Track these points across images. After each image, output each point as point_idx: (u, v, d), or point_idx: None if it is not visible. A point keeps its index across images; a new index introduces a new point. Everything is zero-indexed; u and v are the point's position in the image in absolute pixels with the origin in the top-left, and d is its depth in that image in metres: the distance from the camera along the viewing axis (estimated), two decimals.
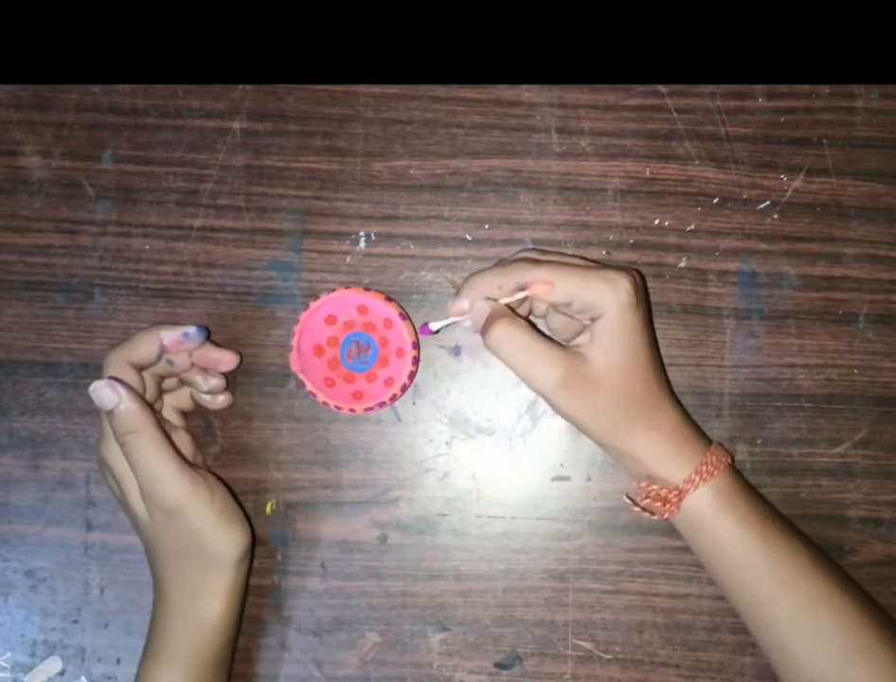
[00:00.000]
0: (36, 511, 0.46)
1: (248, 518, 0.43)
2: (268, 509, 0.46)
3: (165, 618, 0.41)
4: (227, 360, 0.43)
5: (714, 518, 0.39)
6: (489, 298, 0.39)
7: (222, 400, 0.44)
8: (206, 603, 0.41)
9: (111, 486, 0.41)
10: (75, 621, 0.46)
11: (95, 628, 0.46)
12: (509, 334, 0.37)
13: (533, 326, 0.39)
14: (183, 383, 0.44)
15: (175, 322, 0.46)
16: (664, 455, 0.39)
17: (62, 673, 0.46)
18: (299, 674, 0.46)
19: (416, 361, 0.44)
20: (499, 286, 0.39)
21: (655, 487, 0.39)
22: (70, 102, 0.46)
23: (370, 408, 0.43)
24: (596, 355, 0.38)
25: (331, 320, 0.44)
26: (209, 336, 0.43)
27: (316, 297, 0.43)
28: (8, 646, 0.46)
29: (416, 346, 0.44)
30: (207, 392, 0.44)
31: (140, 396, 0.39)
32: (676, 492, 0.38)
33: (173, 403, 0.44)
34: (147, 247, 0.46)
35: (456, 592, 0.46)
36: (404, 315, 0.44)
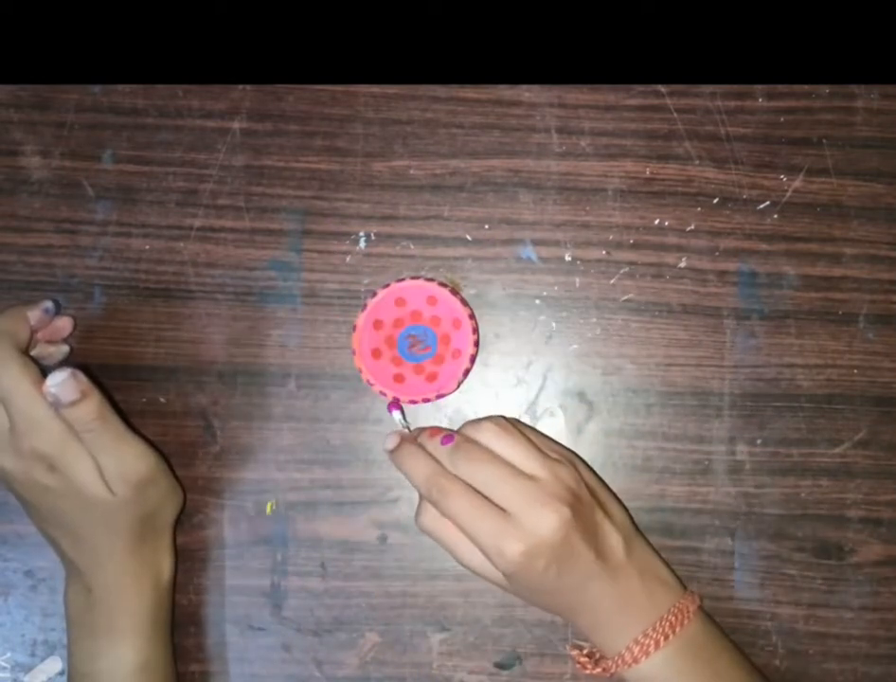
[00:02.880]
0: None
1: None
2: (268, 509, 0.46)
3: (117, 592, 0.40)
4: (66, 323, 0.44)
5: None
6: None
7: (65, 349, 0.45)
8: (160, 564, 0.42)
9: (38, 481, 0.38)
10: None
11: None
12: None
13: None
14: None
15: (176, 322, 0.46)
16: (600, 624, 0.40)
17: (62, 673, 0.46)
18: (299, 674, 0.46)
19: (467, 372, 0.44)
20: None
21: (585, 659, 0.42)
22: (70, 102, 0.46)
23: (397, 398, 0.44)
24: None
25: (400, 302, 0.44)
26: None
27: (386, 285, 0.44)
28: (9, 646, 0.46)
29: (473, 359, 0.44)
30: (60, 362, 0.44)
31: None
32: (608, 662, 0.40)
33: None
34: (147, 247, 0.46)
35: (456, 592, 0.46)
36: (473, 317, 0.44)
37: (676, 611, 0.39)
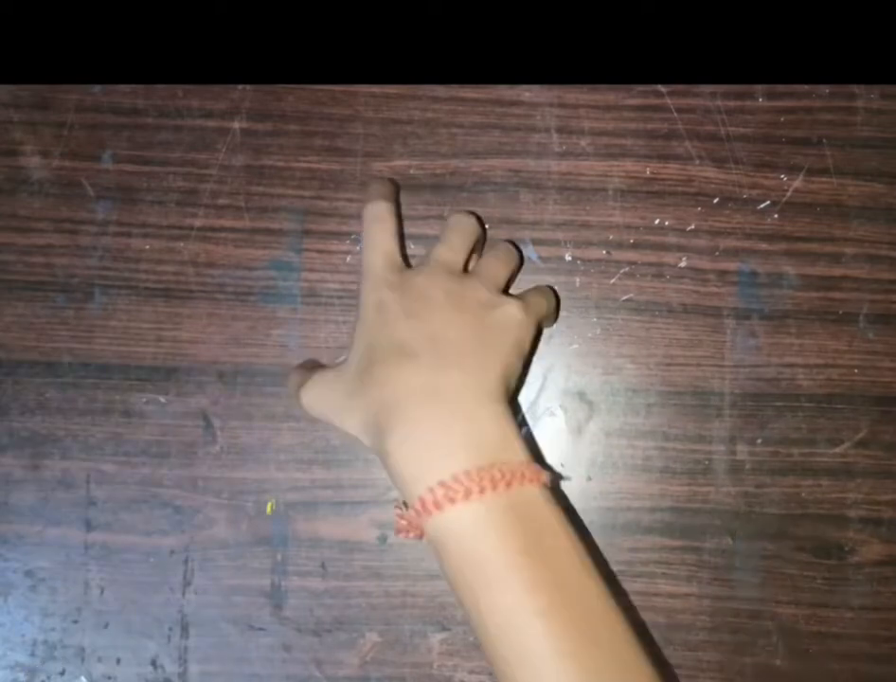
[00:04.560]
0: (36, 511, 0.46)
1: None
2: (268, 509, 0.46)
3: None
4: None
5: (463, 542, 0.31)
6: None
7: None
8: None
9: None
10: (75, 621, 0.46)
11: (95, 628, 0.46)
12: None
13: None
14: None
15: (176, 322, 0.46)
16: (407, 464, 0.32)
17: (62, 673, 0.46)
18: (299, 674, 0.46)
19: None
20: None
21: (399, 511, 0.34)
22: (70, 102, 0.46)
23: None
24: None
25: None
26: None
27: None
28: (9, 646, 0.46)
29: None
30: None
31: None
32: (411, 512, 0.32)
33: None
34: (147, 247, 0.46)
35: None
36: None
37: (506, 470, 0.31)
